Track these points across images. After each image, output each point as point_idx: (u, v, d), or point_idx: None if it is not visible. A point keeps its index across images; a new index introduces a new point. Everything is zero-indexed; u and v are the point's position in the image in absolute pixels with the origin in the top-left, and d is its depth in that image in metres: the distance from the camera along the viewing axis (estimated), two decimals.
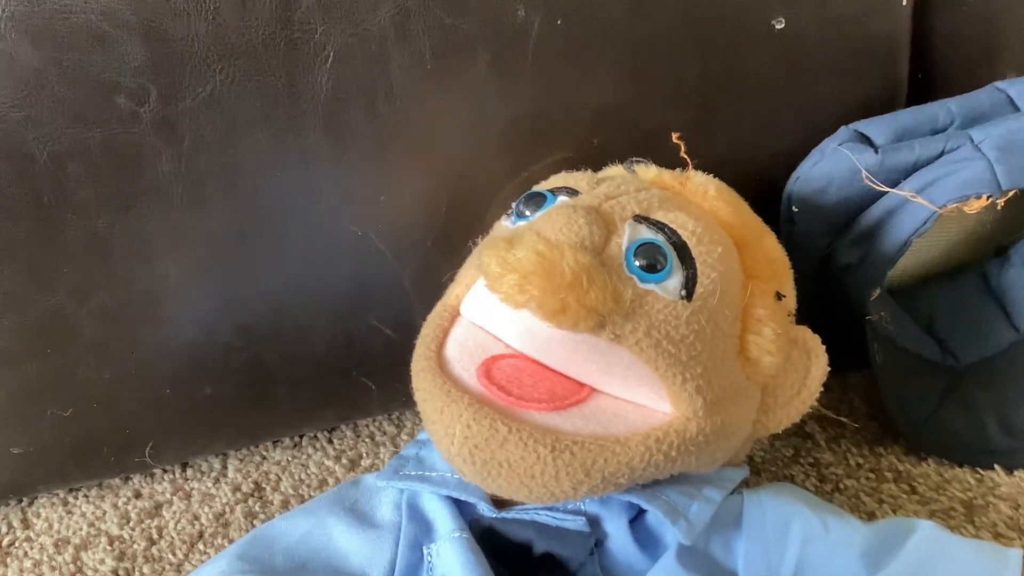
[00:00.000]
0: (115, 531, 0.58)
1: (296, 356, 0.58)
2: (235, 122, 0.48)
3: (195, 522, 0.59)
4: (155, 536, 0.58)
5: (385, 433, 0.67)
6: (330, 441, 0.66)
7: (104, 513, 0.60)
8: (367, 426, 0.68)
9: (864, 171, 0.55)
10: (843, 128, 0.59)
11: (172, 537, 0.58)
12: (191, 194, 0.50)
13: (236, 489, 0.62)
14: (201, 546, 0.57)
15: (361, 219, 0.54)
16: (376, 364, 0.60)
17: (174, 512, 0.60)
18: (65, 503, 0.62)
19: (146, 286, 0.52)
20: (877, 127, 0.58)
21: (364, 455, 0.65)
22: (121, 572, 0.55)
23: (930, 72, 0.67)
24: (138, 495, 0.62)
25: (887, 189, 0.55)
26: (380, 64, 0.50)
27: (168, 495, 0.62)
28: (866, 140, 0.58)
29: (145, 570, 0.55)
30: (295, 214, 0.53)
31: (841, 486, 0.58)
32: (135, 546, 0.57)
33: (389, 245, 0.55)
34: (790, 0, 0.57)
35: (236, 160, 0.49)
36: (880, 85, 0.63)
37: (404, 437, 0.66)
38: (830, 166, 0.57)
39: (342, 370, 0.59)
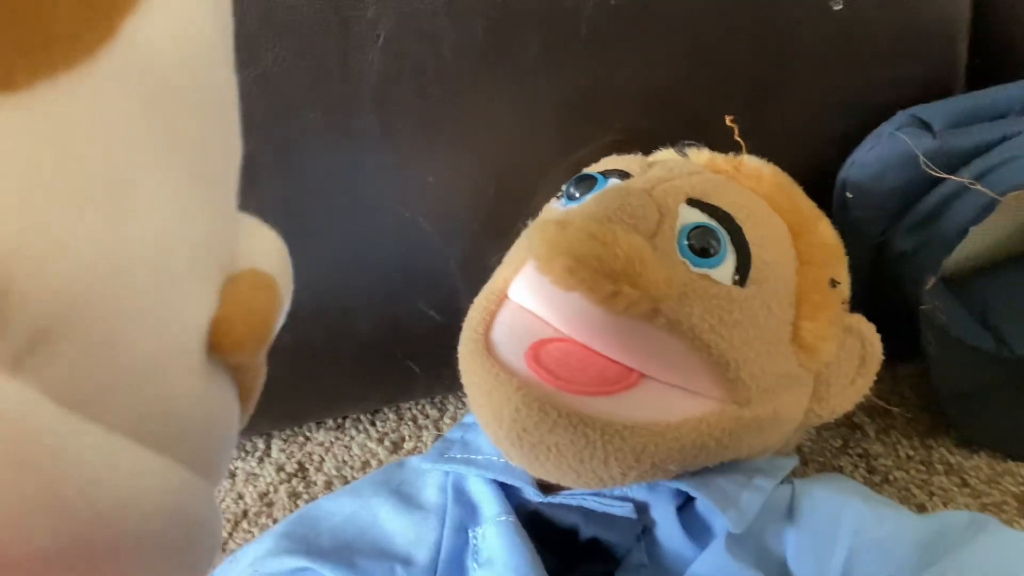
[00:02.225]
0: None
1: (341, 337, 0.58)
2: (286, 101, 0.48)
3: (239, 501, 0.59)
4: None
5: (428, 416, 0.67)
6: (373, 423, 0.66)
7: None
8: (410, 409, 0.68)
9: (921, 157, 0.54)
10: (900, 112, 0.57)
11: None
12: (240, 173, 0.50)
13: (280, 469, 0.62)
14: (245, 525, 0.57)
15: (409, 200, 0.53)
16: (421, 347, 0.59)
17: (218, 491, 0.60)
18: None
19: None
20: (935, 112, 0.57)
21: (407, 438, 0.65)
22: None
23: (989, 56, 0.65)
24: None
25: (945, 176, 0.53)
26: (431, 43, 0.49)
27: None
28: (924, 125, 0.56)
29: None
30: (343, 194, 0.52)
31: (891, 478, 0.57)
32: None
33: (436, 227, 0.54)
34: None
35: (286, 139, 0.49)
36: (938, 69, 0.61)
37: (447, 421, 0.66)
38: (886, 151, 0.56)
39: (387, 353, 0.59)
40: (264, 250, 0.23)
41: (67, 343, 0.15)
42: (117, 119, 0.16)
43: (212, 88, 0.19)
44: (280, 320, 0.22)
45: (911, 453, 0.59)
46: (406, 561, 0.44)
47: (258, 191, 0.51)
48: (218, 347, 0.19)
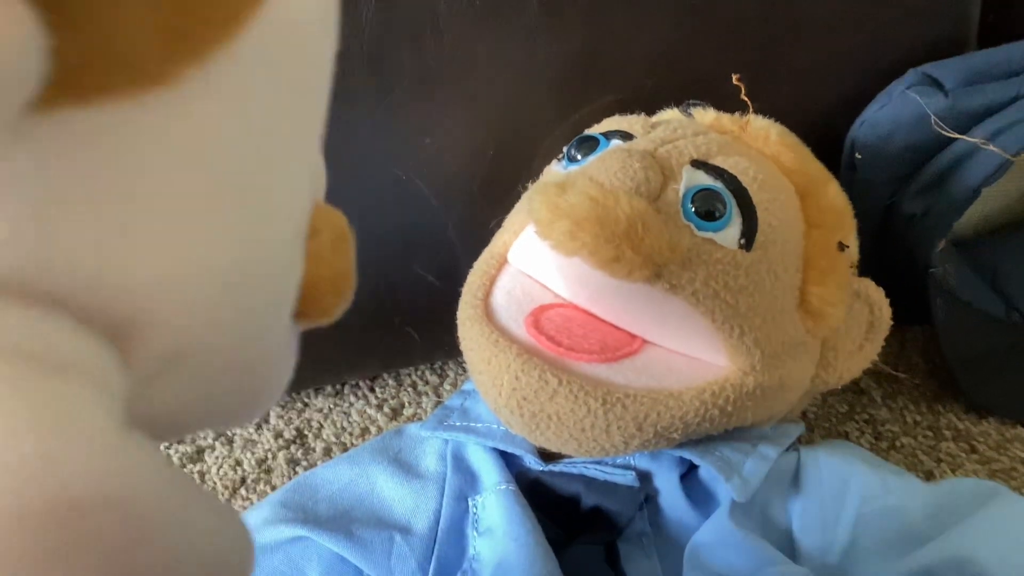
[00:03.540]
0: None
1: None
2: None
3: (237, 468, 0.59)
4: (197, 481, 0.58)
5: (427, 383, 0.66)
6: (372, 390, 0.66)
7: None
8: (409, 375, 0.67)
9: (933, 116, 0.52)
10: (911, 71, 0.56)
11: (214, 482, 0.58)
12: None
13: (278, 436, 0.61)
14: (243, 491, 0.57)
15: (405, 162, 0.52)
16: (419, 313, 0.58)
17: (216, 457, 0.60)
18: None
19: None
20: (947, 70, 0.55)
21: (406, 404, 0.64)
22: None
23: (1003, 13, 0.64)
24: (180, 439, 0.62)
25: (957, 136, 0.52)
26: (427, 1, 0.48)
27: (210, 440, 0.61)
28: (936, 84, 0.55)
29: None
30: (338, 156, 0.50)
31: (898, 444, 0.56)
32: None
33: (434, 190, 0.53)
34: None
35: None
36: (950, 26, 0.60)
37: (447, 387, 0.65)
38: (897, 111, 0.54)
39: (385, 318, 0.58)
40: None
41: (194, 359, 0.14)
42: (267, 103, 0.15)
43: (331, 37, 0.18)
44: (355, 268, 0.21)
45: (918, 419, 0.58)
46: (405, 529, 0.43)
47: None
48: (306, 315, 0.18)
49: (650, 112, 0.51)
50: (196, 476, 0.58)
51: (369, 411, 0.63)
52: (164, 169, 0.13)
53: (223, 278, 0.14)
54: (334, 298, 0.19)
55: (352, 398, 0.65)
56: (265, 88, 0.15)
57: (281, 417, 0.63)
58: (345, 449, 0.59)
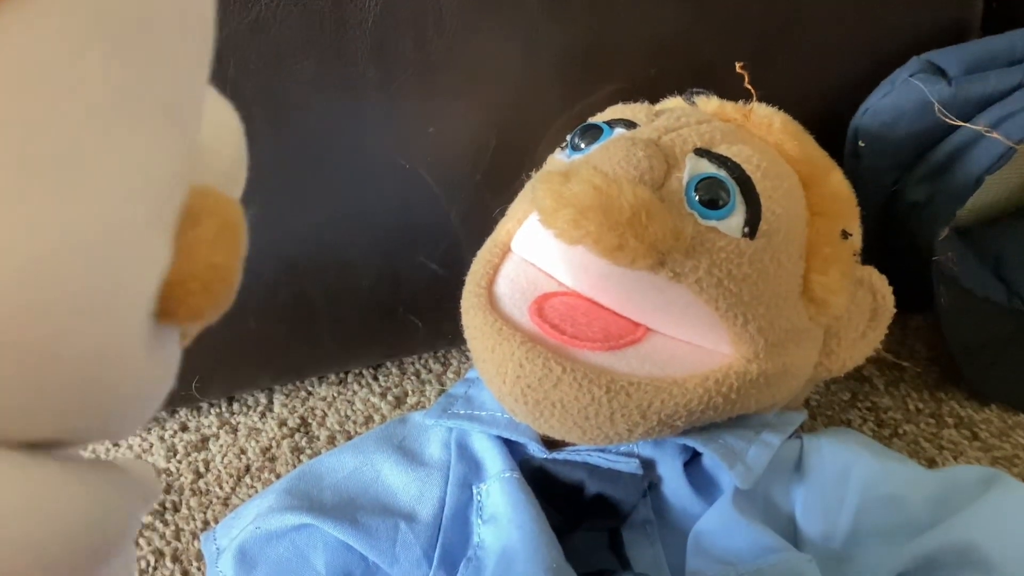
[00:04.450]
0: (162, 464, 0.59)
1: (341, 292, 0.57)
2: (280, 49, 0.47)
3: (242, 456, 0.59)
4: (202, 469, 0.58)
5: (431, 371, 0.66)
6: (375, 378, 0.66)
7: (151, 446, 0.60)
8: (412, 364, 0.67)
9: (936, 104, 0.52)
10: (914, 58, 0.56)
11: (219, 470, 0.58)
12: None
13: (282, 424, 0.61)
14: (248, 480, 0.57)
15: (409, 151, 0.52)
16: (423, 301, 0.59)
17: (220, 446, 0.60)
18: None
19: None
20: (950, 57, 0.55)
21: (410, 392, 0.64)
22: (168, 505, 0.55)
23: (1006, 0, 0.63)
24: (185, 428, 0.62)
25: (960, 123, 0.52)
26: None
27: (215, 429, 0.62)
28: (939, 71, 0.55)
29: (192, 503, 0.55)
30: (341, 145, 0.51)
31: (900, 431, 0.56)
32: (182, 479, 0.57)
33: (437, 179, 0.53)
34: None
35: (281, 88, 0.48)
36: (953, 13, 0.60)
37: (450, 375, 0.66)
38: (900, 98, 0.54)
39: (388, 307, 0.58)
40: (217, 134, 0.19)
41: (5, 350, 0.13)
42: (64, 49, 0.13)
43: None
44: (241, 265, 0.18)
45: (921, 406, 0.58)
46: (409, 517, 0.44)
47: (251, 143, 0.49)
48: (169, 315, 0.16)
49: (654, 100, 0.51)
50: (201, 464, 0.58)
51: (373, 399, 0.63)
52: None
53: (23, 262, 0.12)
54: (204, 297, 0.16)
55: (356, 386, 0.65)
56: (92, 26, 0.13)
57: (285, 406, 0.63)
58: (349, 437, 0.60)
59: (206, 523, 0.54)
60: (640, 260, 0.37)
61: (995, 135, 0.51)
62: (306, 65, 0.48)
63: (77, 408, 0.15)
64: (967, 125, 0.52)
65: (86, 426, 0.15)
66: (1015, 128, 0.51)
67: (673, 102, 0.51)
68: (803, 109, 0.49)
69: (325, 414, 0.62)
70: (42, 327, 0.13)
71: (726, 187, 0.40)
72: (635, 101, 0.50)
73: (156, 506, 0.55)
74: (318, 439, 0.60)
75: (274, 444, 0.60)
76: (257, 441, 0.60)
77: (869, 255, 0.48)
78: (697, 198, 0.40)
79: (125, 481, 0.17)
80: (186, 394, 0.59)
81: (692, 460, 0.44)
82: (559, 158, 0.47)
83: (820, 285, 0.43)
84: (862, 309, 0.46)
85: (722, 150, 0.42)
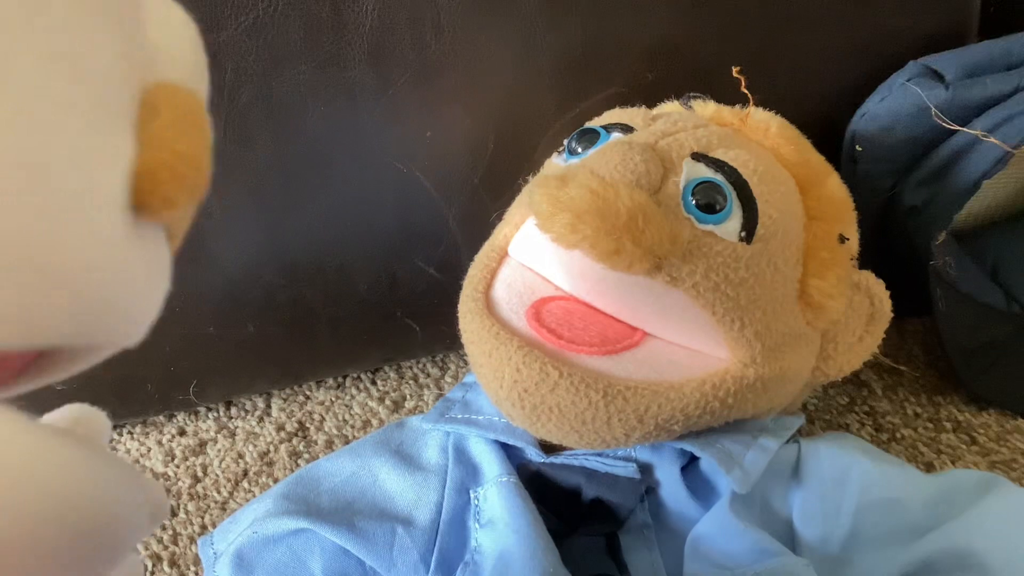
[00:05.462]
0: (160, 468, 0.59)
1: (339, 296, 0.57)
2: (277, 53, 0.47)
3: (239, 460, 0.59)
4: (200, 474, 0.58)
5: (429, 375, 0.66)
6: (373, 382, 0.66)
7: (149, 450, 0.60)
8: (410, 368, 0.67)
9: (933, 108, 0.52)
10: (912, 63, 0.56)
11: (217, 475, 0.58)
12: (234, 127, 0.48)
13: (280, 428, 0.61)
14: (246, 484, 0.57)
15: (406, 155, 0.52)
16: (420, 305, 0.59)
17: (218, 450, 0.60)
18: (109, 440, 0.62)
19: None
20: (948, 62, 0.55)
21: (408, 397, 0.64)
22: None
23: (1003, 4, 0.64)
24: (182, 432, 0.62)
25: (957, 128, 0.52)
26: None
27: (212, 433, 0.61)
28: (936, 76, 0.55)
29: (190, 507, 0.55)
30: (339, 149, 0.51)
31: (898, 436, 0.56)
32: (180, 483, 0.57)
33: (435, 182, 0.53)
34: None
35: (279, 92, 0.48)
36: (951, 17, 0.60)
37: (448, 380, 0.66)
38: (897, 103, 0.54)
39: (385, 311, 0.58)
40: (170, 34, 0.19)
41: None
42: None
43: None
44: (208, 153, 0.18)
45: (919, 411, 0.58)
46: (407, 522, 0.44)
47: (250, 146, 0.50)
48: (144, 207, 0.16)
49: (651, 105, 0.51)
50: (198, 468, 0.58)
51: (371, 404, 0.63)
52: None
53: None
54: (174, 185, 0.17)
55: (354, 391, 0.65)
56: None
57: (283, 410, 0.63)
58: (347, 441, 0.59)
59: (203, 527, 0.54)
60: (637, 264, 0.37)
61: (992, 139, 0.51)
62: (303, 69, 0.48)
63: (67, 310, 0.15)
64: (964, 130, 0.52)
65: (82, 330, 0.16)
66: (1012, 132, 0.51)
67: (670, 106, 0.51)
68: (800, 113, 0.49)
69: (323, 418, 0.62)
70: (10, 233, 0.13)
71: (723, 191, 0.40)
72: (632, 105, 0.50)
73: None
74: (316, 443, 0.60)
75: (272, 448, 0.60)
76: (255, 445, 0.60)
77: (866, 259, 0.48)
78: (694, 202, 0.40)
79: (135, 480, 0.17)
80: (184, 398, 0.59)
81: (689, 464, 0.44)
82: (556, 162, 0.47)
83: (817, 289, 0.43)
84: (859, 313, 0.46)
85: (719, 154, 0.42)
